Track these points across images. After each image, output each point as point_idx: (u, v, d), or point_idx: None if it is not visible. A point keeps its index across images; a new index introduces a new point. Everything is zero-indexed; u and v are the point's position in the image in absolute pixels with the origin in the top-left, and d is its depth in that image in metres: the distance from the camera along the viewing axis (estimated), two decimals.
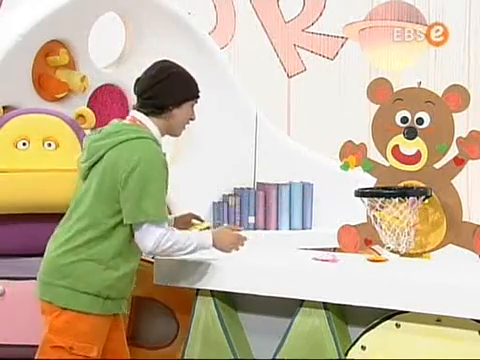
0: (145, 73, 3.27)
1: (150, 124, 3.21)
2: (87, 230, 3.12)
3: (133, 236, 3.13)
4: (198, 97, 3.32)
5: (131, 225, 3.11)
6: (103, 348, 3.20)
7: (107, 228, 3.12)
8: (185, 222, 3.53)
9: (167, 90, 3.21)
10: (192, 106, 3.30)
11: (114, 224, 3.12)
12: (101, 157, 3.14)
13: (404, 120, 3.82)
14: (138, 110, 3.23)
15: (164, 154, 3.22)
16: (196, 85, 3.32)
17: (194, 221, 3.55)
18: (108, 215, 3.12)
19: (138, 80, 3.27)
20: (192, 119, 3.32)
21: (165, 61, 3.32)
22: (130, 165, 3.08)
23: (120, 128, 3.20)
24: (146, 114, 3.21)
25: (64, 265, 3.12)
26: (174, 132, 3.30)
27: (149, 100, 3.21)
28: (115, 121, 3.32)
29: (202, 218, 3.57)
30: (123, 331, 3.34)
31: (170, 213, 3.49)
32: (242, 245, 3.38)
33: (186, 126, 3.33)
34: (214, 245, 3.28)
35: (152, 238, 3.09)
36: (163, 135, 3.27)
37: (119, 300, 3.20)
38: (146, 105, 3.21)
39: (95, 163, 3.16)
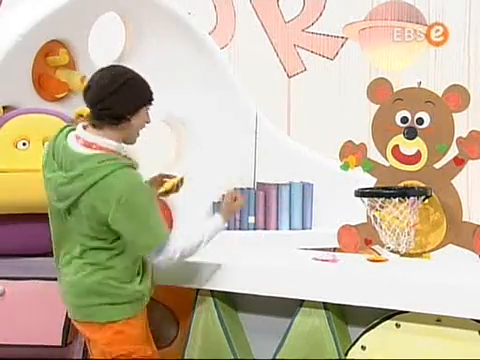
0: (96, 83, 3.06)
1: (106, 142, 3.05)
2: (96, 255, 3.11)
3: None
4: (152, 100, 3.14)
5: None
6: None
7: (116, 247, 3.11)
8: (158, 184, 3.43)
9: (124, 99, 3.03)
10: (147, 110, 3.13)
11: (118, 248, 3.11)
12: (76, 201, 3.06)
13: (404, 120, 3.83)
14: (91, 123, 3.07)
15: (135, 166, 3.11)
16: (149, 88, 3.13)
17: (165, 179, 3.44)
18: (108, 245, 3.11)
19: (87, 89, 3.07)
20: (147, 122, 3.16)
21: (115, 66, 3.18)
22: (113, 206, 3.00)
23: (82, 167, 3.04)
24: (99, 126, 3.05)
25: (92, 285, 3.12)
26: (131, 140, 3.15)
27: (105, 111, 3.02)
28: (68, 145, 3.10)
29: (173, 175, 3.45)
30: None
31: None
32: (242, 198, 3.45)
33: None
34: (226, 220, 3.33)
35: (163, 259, 3.10)
36: (122, 142, 3.12)
37: (149, 296, 3.22)
38: (102, 116, 3.04)
39: (73, 204, 3.08)
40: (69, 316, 3.25)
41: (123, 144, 3.12)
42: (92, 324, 3.15)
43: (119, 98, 3.03)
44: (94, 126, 3.08)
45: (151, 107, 3.15)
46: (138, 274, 3.16)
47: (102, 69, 3.12)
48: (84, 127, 3.10)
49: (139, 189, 3.05)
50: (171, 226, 4.92)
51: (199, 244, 3.18)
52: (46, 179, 3.20)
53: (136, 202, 3.03)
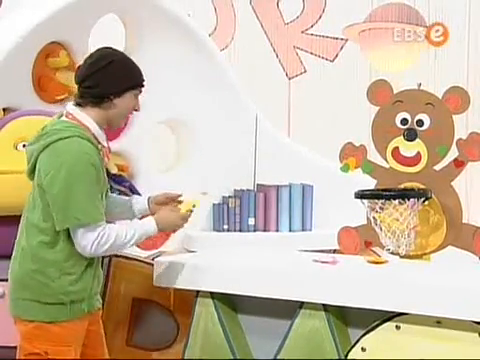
0: (85, 61, 3.07)
1: (84, 117, 3.02)
2: (34, 240, 3.04)
3: None
4: (142, 86, 3.12)
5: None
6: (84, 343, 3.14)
7: (51, 234, 3.01)
8: (159, 202, 3.33)
9: (108, 78, 3.01)
10: (136, 96, 3.09)
11: (56, 233, 3.01)
12: (34, 163, 3.03)
13: (404, 122, 3.83)
14: (76, 102, 3.06)
15: (100, 149, 3.04)
16: (140, 73, 3.11)
17: (180, 199, 3.35)
18: (46, 221, 3.01)
19: (78, 68, 3.09)
20: (136, 110, 3.13)
21: (106, 48, 3.14)
22: (52, 170, 2.95)
23: (48, 129, 3.04)
24: (83, 104, 3.04)
25: (22, 278, 3.06)
26: (114, 123, 3.11)
27: (88, 89, 3.01)
28: (57, 115, 3.14)
29: (178, 193, 3.37)
30: (100, 326, 3.24)
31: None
32: (186, 222, 3.24)
33: (128, 117, 3.17)
34: (159, 229, 3.14)
35: (88, 242, 2.97)
36: (103, 127, 3.08)
37: (87, 300, 3.10)
38: (85, 94, 3.02)
39: (33, 168, 3.05)
40: None
41: (103, 135, 3.07)
42: (19, 318, 3.08)
43: (103, 77, 3.01)
44: (78, 105, 3.06)
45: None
46: (71, 273, 3.03)
47: (95, 50, 3.10)
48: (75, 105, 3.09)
49: (85, 166, 2.94)
50: None
51: (124, 245, 3.05)
52: None
53: (78, 175, 2.93)
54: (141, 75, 3.12)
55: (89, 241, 2.97)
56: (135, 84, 3.09)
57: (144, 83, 3.13)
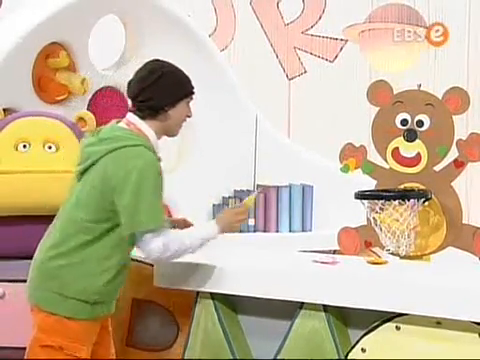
0: (136, 75, 3.20)
1: (145, 128, 3.16)
2: (75, 235, 3.10)
3: (122, 240, 3.10)
4: (193, 93, 3.25)
5: (120, 229, 3.09)
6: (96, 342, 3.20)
7: (96, 233, 3.09)
8: (181, 225, 3.45)
9: (160, 91, 3.14)
10: (187, 103, 3.24)
11: (103, 230, 3.09)
12: (94, 163, 3.11)
13: (404, 122, 3.82)
14: (134, 113, 3.19)
15: (158, 159, 3.17)
16: (189, 81, 3.25)
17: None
18: (97, 221, 3.08)
19: (130, 83, 3.21)
20: (189, 116, 3.26)
21: (156, 61, 3.25)
22: (122, 175, 3.04)
23: (114, 134, 3.15)
24: (142, 117, 3.16)
25: (52, 269, 3.10)
26: (171, 132, 3.25)
27: (143, 103, 3.15)
28: (113, 122, 3.27)
29: (193, 223, 3.49)
30: (109, 331, 3.32)
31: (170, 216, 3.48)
32: (248, 216, 3.39)
33: (182, 125, 3.27)
34: (220, 229, 3.26)
35: (154, 248, 3.07)
36: (160, 137, 3.22)
37: (108, 303, 3.19)
38: (141, 108, 3.16)
39: (88, 168, 3.13)
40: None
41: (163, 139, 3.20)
42: (38, 307, 3.12)
43: (156, 90, 3.14)
44: (138, 116, 3.19)
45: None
46: (103, 275, 3.10)
47: (144, 64, 3.23)
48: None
49: (153, 171, 3.07)
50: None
51: (186, 250, 3.16)
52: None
53: (147, 182, 3.05)
54: (190, 83, 3.26)
55: (154, 248, 3.08)
56: (187, 93, 3.23)
57: (194, 90, 3.26)
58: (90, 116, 4.08)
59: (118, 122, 3.23)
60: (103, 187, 3.07)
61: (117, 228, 3.09)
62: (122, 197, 3.04)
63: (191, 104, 3.24)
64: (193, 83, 3.28)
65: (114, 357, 3.34)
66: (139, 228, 3.06)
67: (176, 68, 3.23)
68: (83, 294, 3.08)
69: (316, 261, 3.45)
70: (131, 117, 3.18)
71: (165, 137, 5.25)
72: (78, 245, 3.09)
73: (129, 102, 3.28)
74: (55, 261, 3.10)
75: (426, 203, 3.72)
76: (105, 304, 3.16)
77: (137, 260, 3.75)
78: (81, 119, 4.07)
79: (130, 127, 3.16)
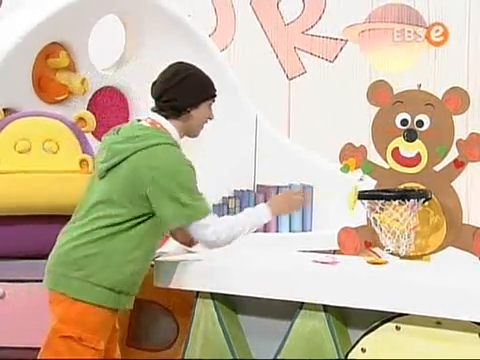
0: (161, 76, 3.30)
1: (170, 127, 3.25)
2: (105, 227, 3.16)
3: (150, 233, 3.19)
4: (215, 96, 3.34)
5: (150, 221, 3.19)
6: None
7: (125, 226, 3.16)
8: None
9: (184, 92, 3.24)
10: (209, 106, 3.33)
11: (133, 223, 3.17)
12: (122, 161, 3.17)
13: (404, 122, 3.83)
14: (157, 113, 3.26)
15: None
16: (212, 84, 3.34)
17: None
18: (129, 215, 3.15)
19: (154, 83, 3.30)
20: (210, 118, 3.35)
21: (180, 63, 3.35)
22: (154, 173, 3.13)
23: (140, 132, 3.22)
24: (165, 117, 3.25)
25: (80, 258, 3.15)
26: (193, 133, 3.36)
27: (167, 103, 3.24)
28: (134, 121, 3.33)
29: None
30: (117, 331, 3.38)
31: None
32: (303, 197, 3.52)
33: (204, 126, 3.37)
34: (273, 212, 3.38)
35: (206, 237, 3.22)
36: (182, 137, 3.31)
37: (130, 296, 3.24)
38: (164, 108, 3.25)
39: (115, 165, 3.18)
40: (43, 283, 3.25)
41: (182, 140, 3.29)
42: (63, 296, 3.15)
43: (180, 91, 3.24)
44: (162, 115, 3.27)
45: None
46: (135, 263, 3.17)
47: (169, 65, 3.32)
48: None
49: (186, 165, 3.20)
50: None
51: (239, 234, 3.28)
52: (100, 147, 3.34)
53: (181, 175, 3.17)
54: (213, 86, 3.35)
55: (207, 236, 3.21)
56: (209, 95, 3.32)
57: (216, 93, 3.35)
58: (90, 116, 4.08)
59: (139, 121, 3.29)
60: (133, 185, 3.15)
61: (146, 221, 3.18)
62: (163, 193, 3.14)
63: None
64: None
65: (120, 357, 3.38)
66: (188, 221, 3.18)
67: (200, 71, 3.34)
68: (109, 282, 3.14)
69: (316, 261, 3.45)
70: (155, 116, 3.26)
71: None
72: (107, 236, 3.15)
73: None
74: (83, 251, 3.15)
75: (426, 203, 3.72)
76: (128, 296, 3.22)
77: None
78: (81, 119, 4.07)
79: (156, 126, 3.23)
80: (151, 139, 3.18)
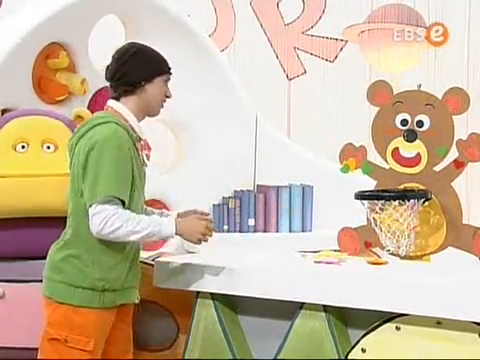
0: (112, 58, 3.23)
1: (122, 108, 3.16)
2: (72, 225, 3.15)
3: None
4: (169, 73, 3.26)
5: None
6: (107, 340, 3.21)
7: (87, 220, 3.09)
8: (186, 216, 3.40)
9: (135, 67, 3.17)
10: (165, 82, 3.24)
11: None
12: (72, 154, 3.16)
13: (404, 123, 3.83)
14: (112, 97, 3.21)
15: (138, 139, 3.15)
16: (165, 62, 3.27)
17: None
18: (84, 207, 3.09)
19: (107, 67, 3.24)
20: (168, 96, 3.25)
21: (129, 43, 3.31)
22: (86, 151, 3.06)
23: (88, 120, 3.21)
24: (119, 97, 3.18)
25: (59, 261, 3.15)
26: (152, 110, 3.23)
27: (119, 81, 3.17)
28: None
29: (206, 212, 3.42)
30: (128, 325, 3.32)
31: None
32: (210, 235, 3.22)
33: (163, 104, 3.26)
34: (178, 233, 3.16)
35: (99, 218, 3.02)
36: (141, 117, 3.21)
37: (123, 291, 3.19)
38: (117, 87, 3.18)
39: (71, 162, 3.18)
40: None
41: (140, 127, 3.18)
42: (50, 300, 3.15)
43: (130, 66, 3.17)
44: (115, 98, 3.20)
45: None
46: (104, 261, 3.11)
47: (119, 47, 3.26)
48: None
49: (115, 146, 3.04)
50: None
51: (133, 234, 3.06)
52: None
53: (106, 154, 3.03)
54: (167, 63, 3.27)
55: (99, 218, 3.03)
56: (162, 70, 3.24)
57: (171, 71, 3.26)
58: (88, 114, 4.07)
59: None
60: (77, 173, 3.10)
61: None
62: (85, 172, 3.06)
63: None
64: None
65: (130, 357, 3.34)
66: (94, 199, 3.03)
67: (151, 48, 3.27)
68: (89, 282, 3.10)
69: (319, 261, 3.45)
70: (109, 101, 3.21)
71: (165, 137, 5.27)
72: (78, 234, 3.13)
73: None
74: (61, 252, 3.15)
75: (426, 203, 3.72)
76: (115, 293, 3.16)
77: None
78: (79, 117, 4.06)
79: (107, 110, 3.19)
80: (90, 123, 3.13)
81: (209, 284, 3.39)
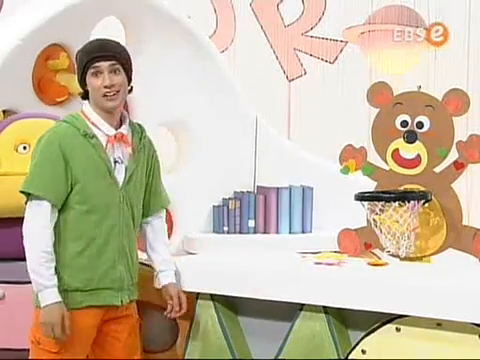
0: None
1: (86, 108, 3.24)
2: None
3: (66, 222, 3.15)
4: (91, 62, 3.19)
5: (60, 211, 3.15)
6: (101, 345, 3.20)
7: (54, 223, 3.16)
8: (166, 293, 3.39)
9: (77, 72, 3.26)
10: (95, 74, 3.18)
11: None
12: None
13: (404, 124, 3.83)
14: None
15: (88, 135, 3.17)
16: (86, 53, 3.22)
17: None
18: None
19: None
20: (106, 86, 3.18)
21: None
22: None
23: None
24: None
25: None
26: (101, 107, 3.21)
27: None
28: None
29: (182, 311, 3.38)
30: (126, 332, 3.28)
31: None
32: (50, 333, 3.08)
33: (108, 94, 3.19)
34: (42, 308, 3.08)
35: (31, 216, 3.14)
36: (102, 112, 3.21)
37: (89, 292, 3.15)
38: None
39: None
40: None
41: (104, 123, 3.20)
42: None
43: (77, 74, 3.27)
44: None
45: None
46: (59, 260, 3.10)
47: None
48: None
49: (47, 140, 3.15)
50: (171, 229, 4.92)
51: (28, 257, 3.11)
52: None
53: (37, 152, 3.16)
54: (87, 54, 3.21)
55: (26, 217, 3.15)
56: (84, 66, 3.21)
57: (94, 57, 3.19)
58: None
59: None
60: None
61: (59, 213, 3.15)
62: None
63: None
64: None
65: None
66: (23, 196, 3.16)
67: (86, 43, 3.29)
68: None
69: (319, 263, 3.45)
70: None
71: (165, 137, 5.27)
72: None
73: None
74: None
75: (426, 205, 3.72)
76: (86, 293, 3.13)
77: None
78: None
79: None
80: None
81: (209, 285, 3.39)
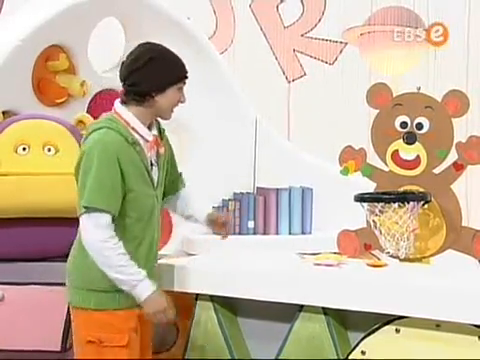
0: (127, 57, 3.13)
1: (124, 112, 3.09)
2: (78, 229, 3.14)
3: (117, 224, 3.07)
4: (185, 78, 3.13)
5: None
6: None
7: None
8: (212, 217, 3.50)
9: (148, 77, 3.05)
10: (179, 89, 3.12)
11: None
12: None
13: (403, 125, 3.83)
14: (121, 99, 3.14)
15: (133, 143, 3.06)
16: (181, 66, 3.13)
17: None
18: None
19: (122, 64, 3.14)
20: (181, 102, 3.16)
21: (146, 44, 3.17)
22: (77, 160, 3.06)
23: (89, 125, 3.21)
24: (127, 102, 3.10)
25: (68, 266, 3.17)
26: (162, 117, 3.19)
27: (131, 87, 3.08)
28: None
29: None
30: (148, 328, 3.27)
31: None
32: (164, 320, 3.12)
33: (174, 109, 3.19)
34: (143, 301, 3.07)
35: (87, 231, 3.01)
36: (149, 119, 3.14)
37: (101, 293, 3.13)
38: (128, 92, 3.10)
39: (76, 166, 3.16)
40: None
41: (145, 128, 3.12)
42: (72, 306, 3.16)
43: (142, 76, 3.05)
44: (123, 102, 3.12)
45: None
46: (83, 260, 3.07)
47: (137, 45, 3.15)
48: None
49: (99, 150, 2.99)
50: (171, 230, 4.93)
51: (117, 274, 3.01)
52: None
53: (91, 163, 2.99)
54: (183, 67, 3.13)
55: (87, 230, 3.00)
56: (176, 79, 3.11)
57: (187, 75, 3.13)
58: (89, 119, 4.09)
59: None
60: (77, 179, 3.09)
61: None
62: (77, 181, 3.05)
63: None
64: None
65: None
66: (82, 210, 3.00)
67: (167, 52, 3.14)
68: (95, 284, 3.08)
69: (318, 264, 3.45)
70: (115, 102, 3.15)
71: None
72: (78, 238, 3.12)
73: None
74: (71, 256, 3.16)
75: (426, 206, 3.73)
76: (99, 293, 3.10)
77: None
78: (80, 122, 4.08)
79: (112, 113, 3.12)
80: (90, 128, 3.09)
81: (209, 286, 3.39)
